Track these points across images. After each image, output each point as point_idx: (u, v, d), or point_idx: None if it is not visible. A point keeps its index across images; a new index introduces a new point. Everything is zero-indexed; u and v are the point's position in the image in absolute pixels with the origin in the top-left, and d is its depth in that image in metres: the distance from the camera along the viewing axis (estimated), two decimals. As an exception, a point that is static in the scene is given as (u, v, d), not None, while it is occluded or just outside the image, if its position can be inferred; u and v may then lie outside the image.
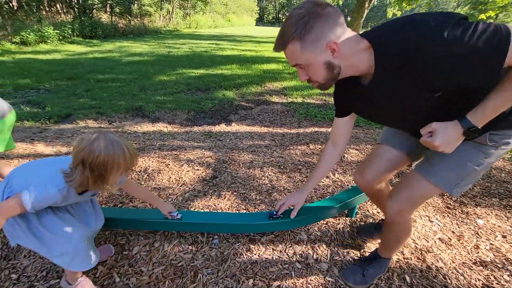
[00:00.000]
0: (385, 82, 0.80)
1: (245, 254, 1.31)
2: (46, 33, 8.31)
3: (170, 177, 1.95)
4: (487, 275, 1.35)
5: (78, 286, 1.07)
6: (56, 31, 8.71)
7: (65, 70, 5.47)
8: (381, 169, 1.15)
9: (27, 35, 7.76)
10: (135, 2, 16.36)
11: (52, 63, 6.11)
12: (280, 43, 0.80)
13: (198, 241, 1.35)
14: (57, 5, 14.32)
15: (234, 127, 3.12)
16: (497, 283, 1.30)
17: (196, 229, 1.32)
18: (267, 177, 2.05)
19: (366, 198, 1.58)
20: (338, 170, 2.20)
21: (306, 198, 1.26)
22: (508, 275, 1.34)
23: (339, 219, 1.61)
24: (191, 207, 1.65)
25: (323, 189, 1.95)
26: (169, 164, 2.13)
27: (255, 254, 1.32)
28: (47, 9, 13.25)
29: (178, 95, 4.29)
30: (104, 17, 14.03)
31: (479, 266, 1.40)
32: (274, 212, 1.28)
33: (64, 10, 14.11)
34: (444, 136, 0.78)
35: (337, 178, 2.10)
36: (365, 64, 0.80)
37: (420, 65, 0.70)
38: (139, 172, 2.01)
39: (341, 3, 17.23)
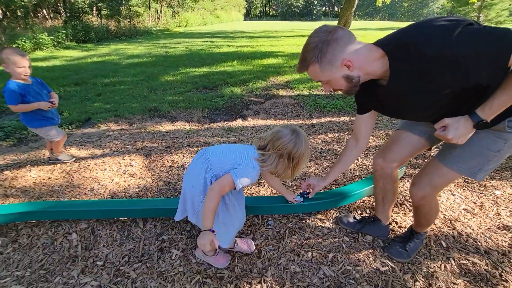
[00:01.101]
0: (401, 84, 0.90)
1: (299, 232, 1.46)
2: (41, 40, 8.22)
3: (208, 171, 2.08)
4: (511, 237, 1.52)
5: (217, 256, 1.24)
6: (50, 37, 8.61)
7: (69, 76, 5.47)
8: (403, 153, 1.25)
9: (23, 43, 7.67)
10: (123, 3, 16.14)
11: (54, 69, 6.09)
12: (303, 67, 0.96)
13: (255, 223, 1.49)
14: (43, 10, 14.05)
15: (251, 122, 3.24)
16: (520, 243, 1.47)
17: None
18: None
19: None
20: (360, 155, 2.35)
21: (330, 184, 1.42)
22: (529, 235, 1.51)
23: (373, 197, 1.76)
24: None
25: (351, 172, 2.10)
26: (203, 159, 2.25)
27: (307, 231, 1.47)
28: (32, 15, 13.01)
29: (188, 94, 4.38)
30: (94, 20, 13.84)
31: (502, 230, 1.57)
32: (305, 193, 1.45)
33: (51, 15, 13.87)
34: (456, 130, 0.88)
35: (361, 162, 2.25)
36: (381, 69, 0.92)
37: (431, 68, 0.80)
38: (178, 167, 2.13)
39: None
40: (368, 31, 16.65)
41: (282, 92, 4.43)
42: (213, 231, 0.97)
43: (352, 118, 3.30)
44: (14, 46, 7.59)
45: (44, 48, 8.41)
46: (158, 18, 19.69)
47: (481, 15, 18.60)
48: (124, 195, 1.79)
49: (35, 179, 1.99)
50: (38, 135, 2.08)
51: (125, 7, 15.74)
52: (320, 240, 1.42)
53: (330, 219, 1.55)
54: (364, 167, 2.18)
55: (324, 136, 2.75)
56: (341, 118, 3.30)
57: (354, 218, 1.53)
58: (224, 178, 1.01)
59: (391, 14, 53.34)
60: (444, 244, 1.45)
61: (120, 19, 14.56)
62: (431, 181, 1.09)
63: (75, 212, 1.41)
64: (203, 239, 0.94)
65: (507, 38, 0.73)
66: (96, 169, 2.10)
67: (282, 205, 1.45)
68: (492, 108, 0.84)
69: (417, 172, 1.19)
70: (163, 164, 2.19)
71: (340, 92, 1.02)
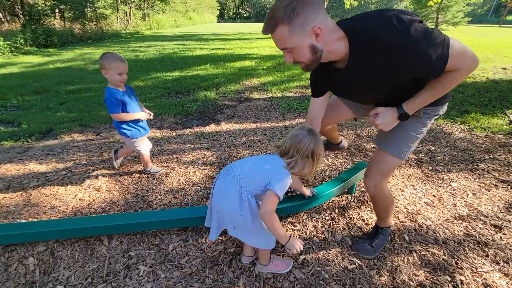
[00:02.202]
0: (358, 68, 0.95)
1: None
2: (-5, 45, 7.60)
3: (179, 179, 2.04)
4: (466, 226, 1.64)
5: (274, 262, 1.27)
6: (7, 42, 7.99)
7: (28, 84, 5.11)
8: (335, 119, 1.49)
9: (-26, 49, 7.04)
10: (88, 5, 15.37)
11: (11, 77, 5.66)
12: (270, 26, 0.88)
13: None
14: (-1, 12, 13.00)
15: (224, 126, 3.22)
16: (474, 231, 1.59)
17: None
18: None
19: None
20: (330, 155, 2.43)
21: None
22: (482, 224, 1.64)
23: (342, 197, 1.82)
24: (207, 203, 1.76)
25: (321, 173, 2.16)
26: (175, 167, 2.20)
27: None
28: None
29: (159, 99, 4.26)
30: (56, 23, 13.04)
31: (458, 220, 1.69)
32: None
33: (8, 18, 12.87)
34: (384, 118, 1.04)
35: (331, 162, 2.32)
36: (342, 50, 0.93)
37: (388, 55, 0.86)
38: (147, 178, 2.06)
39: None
40: (338, 32, 17.23)
41: (255, 95, 4.45)
42: (291, 236, 1.05)
43: (323, 119, 3.38)
44: None
45: (0, 54, 7.78)
46: (127, 20, 18.99)
47: (439, 16, 19.94)
48: (89, 211, 1.70)
49: (-12, 200, 1.83)
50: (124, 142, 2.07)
51: (91, 9, 15.02)
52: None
53: (300, 222, 1.58)
54: (333, 167, 2.25)
55: (296, 138, 2.80)
56: (313, 119, 3.38)
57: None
58: (268, 198, 1.02)
59: (360, 15, 55.55)
60: (407, 237, 1.54)
61: (86, 22, 13.86)
62: (379, 169, 1.22)
63: (31, 234, 1.32)
64: (293, 246, 1.03)
65: (445, 48, 0.84)
66: (57, 185, 1.97)
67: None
68: (415, 104, 1.01)
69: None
70: (131, 175, 2.11)
71: (300, 66, 0.98)
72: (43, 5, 12.16)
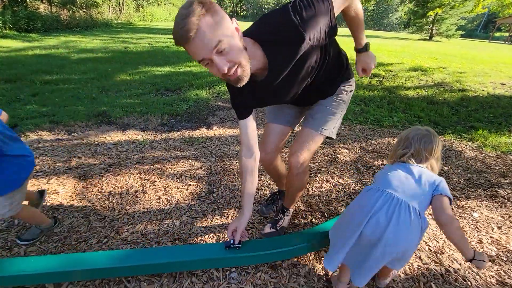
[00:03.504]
0: (279, 74, 0.92)
1: (269, 285, 1.16)
2: (-32, 26, 6.97)
3: (160, 198, 1.69)
4: (497, 270, 1.38)
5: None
6: (-18, 23, 7.35)
7: (0, 70, 4.61)
8: (276, 142, 1.35)
9: None
10: (79, -9, 14.60)
11: (-18, 62, 5.13)
12: (189, 27, 0.66)
13: (214, 278, 1.15)
14: (-21, -9, 12.15)
15: (217, 131, 2.89)
16: (508, 278, 1.34)
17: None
18: (267, 187, 1.90)
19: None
20: (335, 173, 2.14)
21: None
22: (517, 269, 1.38)
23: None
24: (192, 232, 1.43)
25: (327, 195, 1.87)
26: (155, 181, 1.85)
27: (280, 284, 1.17)
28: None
29: (146, 96, 3.88)
30: (42, 8, 12.29)
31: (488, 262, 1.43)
32: (231, 241, 1.14)
33: (-11, -2, 12.03)
34: (368, 58, 1.15)
35: (337, 181, 2.03)
36: (260, 61, 0.86)
37: (301, 54, 0.86)
38: (121, 194, 1.71)
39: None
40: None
41: (251, 97, 4.13)
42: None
43: (324, 128, 3.11)
44: None
45: (-26, 36, 7.15)
46: (120, 10, 18.26)
47: (434, 27, 20.18)
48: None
49: None
50: None
51: (81, -5, 14.27)
52: (295, 294, 1.14)
53: (307, 264, 1.27)
54: (340, 187, 1.96)
55: (296, 150, 2.50)
56: (314, 128, 3.09)
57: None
58: (445, 203, 0.92)
59: (355, 21, 56.17)
60: (434, 286, 1.26)
61: (74, 8, 13.15)
62: (308, 147, 1.20)
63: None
64: (484, 264, 0.89)
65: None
66: (5, 199, 1.59)
67: (247, 255, 1.13)
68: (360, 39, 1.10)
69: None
70: (102, 189, 1.75)
71: (237, 74, 0.78)
72: (28, -13, 11.38)
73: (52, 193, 1.68)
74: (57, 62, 5.47)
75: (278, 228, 1.44)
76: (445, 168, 2.37)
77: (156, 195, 1.72)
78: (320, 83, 1.09)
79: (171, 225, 1.47)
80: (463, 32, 22.66)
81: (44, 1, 13.57)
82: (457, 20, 20.29)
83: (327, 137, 1.22)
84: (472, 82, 5.71)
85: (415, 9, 20.49)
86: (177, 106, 3.55)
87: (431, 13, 10.94)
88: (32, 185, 1.74)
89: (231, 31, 0.74)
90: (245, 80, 0.81)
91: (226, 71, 0.73)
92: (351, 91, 1.24)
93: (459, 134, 3.11)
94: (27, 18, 9.14)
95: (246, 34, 0.86)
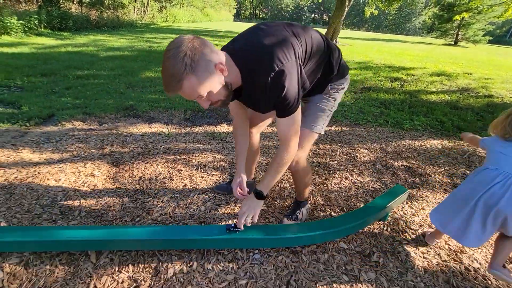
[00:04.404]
0: (249, 94, 1.03)
1: (290, 268, 1.22)
2: (9, 24, 7.49)
3: (186, 185, 1.80)
4: (521, 272, 1.36)
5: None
6: (20, 21, 7.88)
7: (37, 65, 4.95)
8: (261, 121, 1.46)
9: (-13, 25, 6.93)
10: (107, -8, 15.29)
11: (21, 57, 5.51)
12: (175, 84, 0.80)
13: (238, 257, 1.23)
14: (17, -8, 13.01)
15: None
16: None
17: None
18: (287, 180, 1.96)
19: (401, 201, 1.55)
20: (354, 171, 2.17)
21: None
22: (541, 272, 1.36)
23: (373, 224, 1.56)
24: (216, 217, 1.52)
25: (345, 191, 1.90)
26: (181, 170, 1.96)
27: (300, 267, 1.23)
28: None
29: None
30: (73, 8, 12.98)
31: (509, 264, 1.42)
32: (233, 225, 1.22)
33: (26, -1, 12.86)
34: (247, 204, 1.18)
35: (356, 179, 2.06)
36: (237, 77, 0.96)
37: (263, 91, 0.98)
38: (150, 179, 1.83)
39: (321, 0, 17.41)
40: (355, 40, 16.94)
41: (270, 97, 4.21)
42: None
43: (343, 128, 3.13)
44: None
45: (13, 33, 7.67)
46: (144, 11, 18.92)
47: (460, 32, 19.47)
48: (79, 214, 1.46)
49: (-31, 189, 1.61)
50: None
51: (109, -3, 14.93)
52: (314, 280, 1.19)
53: (326, 252, 1.32)
54: (359, 184, 1.99)
55: (315, 147, 2.55)
56: (332, 128, 3.12)
57: (225, 182, 1.72)
58: None
59: (376, 26, 55.09)
60: (454, 282, 1.27)
61: (103, 9, 13.79)
62: (301, 145, 1.23)
63: (3, 244, 1.09)
64: None
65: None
66: (48, 179, 1.75)
67: (272, 237, 1.20)
68: (264, 185, 1.16)
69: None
70: (132, 174, 1.88)
71: (217, 105, 0.96)
72: (62, -11, 12.07)
73: (89, 175, 1.82)
74: (88, 59, 5.79)
75: (295, 218, 1.50)
76: (468, 172, 2.33)
77: (182, 182, 1.82)
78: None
79: (196, 210, 1.56)
80: (491, 38, 21.66)
81: (75, 2, 14.34)
82: (485, 25, 19.46)
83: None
84: (499, 88, 5.51)
85: (440, 13, 19.85)
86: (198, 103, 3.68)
87: (457, 17, 10.60)
88: (71, 168, 1.89)
89: (213, 81, 0.86)
90: (228, 104, 1.01)
91: (207, 107, 0.94)
92: (342, 88, 1.27)
93: (484, 139, 3.03)
94: (60, 18, 9.70)
95: (238, 51, 0.96)
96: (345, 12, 12.58)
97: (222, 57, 0.89)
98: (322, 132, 1.29)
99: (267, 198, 1.69)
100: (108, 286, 1.07)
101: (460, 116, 3.72)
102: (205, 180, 1.87)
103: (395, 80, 5.74)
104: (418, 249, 1.44)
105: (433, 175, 2.22)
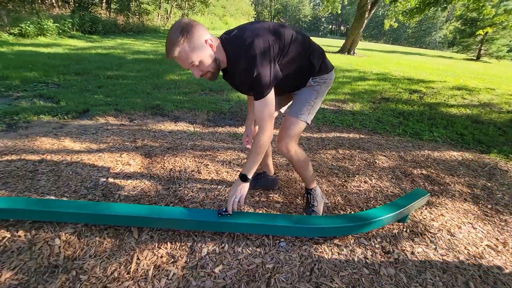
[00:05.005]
0: (233, 74, 1.21)
1: (313, 257, 1.29)
2: (45, 26, 8.05)
3: (213, 178, 1.91)
4: (542, 281, 1.38)
5: None
6: (56, 24, 8.45)
7: (70, 65, 5.30)
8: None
9: (27, 27, 7.49)
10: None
11: (56, 57, 5.92)
12: (173, 49, 1.02)
13: (265, 244, 1.32)
14: (52, -2, 13.93)
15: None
16: (553, 290, 1.33)
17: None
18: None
19: (421, 204, 1.60)
20: (373, 176, 2.22)
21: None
22: None
23: (392, 225, 1.61)
24: (242, 208, 1.62)
25: (365, 194, 1.96)
26: (208, 165, 2.09)
27: (324, 258, 1.30)
28: (39, 1, 12.86)
29: (193, 95, 4.24)
30: (102, 13, 13.74)
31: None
32: (224, 209, 1.31)
33: (59, 4, 13.74)
34: (232, 189, 1.28)
35: (375, 183, 2.11)
36: (224, 58, 1.15)
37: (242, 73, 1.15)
38: (179, 171, 1.96)
39: (339, 12, 17.61)
40: (373, 52, 16.91)
41: (289, 103, 4.32)
42: None
43: (362, 136, 3.18)
44: (16, 28, 7.39)
45: (48, 34, 8.24)
46: (167, 18, 19.72)
47: (482, 47, 19.06)
48: (119, 197, 1.60)
49: (19, 170, 1.79)
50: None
51: (135, 3, 15.73)
52: (336, 270, 1.26)
53: (348, 246, 1.39)
54: (378, 189, 2.04)
55: (334, 152, 2.62)
56: (351, 135, 3.18)
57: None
58: None
59: (395, 38, 54.64)
60: (472, 285, 1.30)
61: (129, 14, 14.50)
62: (288, 132, 1.37)
63: (60, 214, 1.23)
64: None
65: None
66: (89, 165, 1.91)
67: (298, 226, 1.29)
68: (247, 167, 1.27)
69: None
70: (164, 166, 2.02)
71: (207, 77, 1.15)
72: (93, -5, 12.85)
73: (125, 164, 1.98)
74: (116, 61, 6.13)
75: (314, 209, 1.59)
76: (488, 184, 2.33)
77: (209, 176, 1.94)
78: (284, 86, 1.32)
79: (223, 201, 1.67)
80: (516, 54, 21.08)
81: (103, 7, 15.18)
82: (510, 41, 18.99)
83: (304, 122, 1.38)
84: (524, 104, 5.38)
85: (462, 28, 19.56)
86: (220, 105, 3.84)
87: (480, 32, 10.45)
88: (108, 157, 2.06)
89: (203, 52, 1.06)
90: (216, 77, 1.17)
91: (198, 77, 1.13)
92: (325, 82, 1.37)
93: (505, 154, 3.00)
94: (91, 22, 10.31)
95: (227, 38, 1.15)
96: (364, 24, 12.65)
97: (213, 38, 1.10)
98: (309, 122, 1.40)
99: (277, 187, 1.84)
100: (149, 259, 1.19)
101: (481, 130, 3.69)
102: (231, 175, 1.98)
103: (414, 92, 5.73)
104: (437, 251, 1.48)
105: (452, 185, 2.24)
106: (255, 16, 50.70)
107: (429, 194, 1.71)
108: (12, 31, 7.40)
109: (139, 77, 4.96)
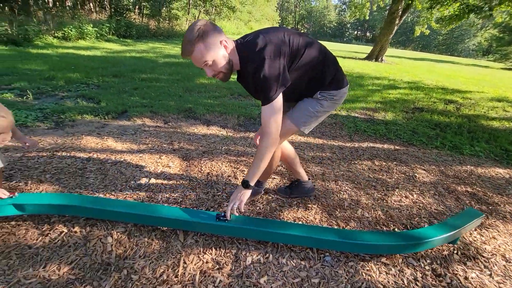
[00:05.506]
0: (243, 76, 1.26)
1: (360, 275, 1.24)
2: (86, 30, 8.59)
3: (249, 184, 1.91)
4: None
5: None
6: (95, 28, 8.99)
7: (108, 67, 5.59)
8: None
9: (69, 31, 8.03)
10: (164, 5, 16.82)
11: (95, 59, 6.27)
12: (189, 48, 1.07)
13: (310, 257, 1.29)
14: (90, 3, 14.89)
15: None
16: None
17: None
18: (345, 192, 1.98)
19: (474, 226, 1.50)
20: (414, 191, 2.12)
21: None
22: None
23: (442, 246, 1.52)
24: (281, 217, 1.60)
25: (407, 210, 1.87)
26: (243, 170, 2.09)
27: (370, 276, 1.25)
28: (79, 7, 13.77)
29: (222, 99, 4.30)
30: (135, 18, 14.45)
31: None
32: (222, 214, 1.29)
33: (97, 9, 14.64)
34: (237, 195, 1.27)
35: (417, 199, 2.01)
36: (237, 61, 1.19)
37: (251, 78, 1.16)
38: (216, 176, 1.98)
39: (367, 18, 17.25)
40: (402, 59, 16.35)
41: (318, 110, 4.25)
42: None
43: (397, 147, 3.06)
44: (59, 32, 7.93)
45: (88, 38, 8.78)
46: (194, 23, 20.32)
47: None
48: (161, 198, 1.64)
49: (70, 167, 1.90)
50: None
51: (166, 9, 16.38)
52: (385, 290, 1.20)
53: (396, 265, 1.32)
54: (421, 205, 1.94)
55: (370, 163, 2.53)
56: (385, 146, 3.07)
57: (285, 185, 1.85)
58: None
59: (424, 45, 52.56)
60: (537, 320, 1.19)
61: (160, 19, 15.13)
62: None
63: (112, 213, 1.28)
64: None
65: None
66: (132, 166, 1.99)
67: (345, 241, 1.24)
68: (250, 174, 1.27)
69: None
70: (201, 169, 2.05)
71: (219, 77, 1.19)
72: (127, 1, 13.57)
73: (165, 166, 2.03)
74: (149, 64, 6.39)
75: (290, 189, 1.77)
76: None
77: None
78: (289, 93, 1.28)
79: (262, 208, 1.66)
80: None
81: (136, 13, 15.97)
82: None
83: (299, 130, 1.38)
84: None
85: (499, 36, 18.42)
86: (250, 110, 3.86)
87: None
88: (149, 159, 2.13)
89: (217, 52, 1.10)
90: (228, 78, 1.21)
91: (210, 76, 1.17)
92: (332, 99, 1.34)
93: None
94: (126, 26, 10.87)
95: (241, 42, 1.19)
96: (394, 30, 12.29)
97: (228, 40, 1.14)
98: (305, 131, 1.39)
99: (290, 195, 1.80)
100: (195, 263, 1.20)
101: (529, 146, 3.42)
102: (268, 182, 1.97)
103: (450, 103, 5.45)
104: (493, 278, 1.37)
105: (502, 205, 2.08)
106: (279, 21, 50.95)
107: (484, 215, 1.60)
108: (56, 34, 7.97)
109: (170, 80, 5.12)
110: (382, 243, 1.23)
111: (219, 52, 1.10)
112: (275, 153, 1.48)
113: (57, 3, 12.60)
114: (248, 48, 1.15)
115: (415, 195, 2.05)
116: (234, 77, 1.31)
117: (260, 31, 1.23)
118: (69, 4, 12.78)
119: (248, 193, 1.29)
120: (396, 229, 1.64)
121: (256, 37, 1.16)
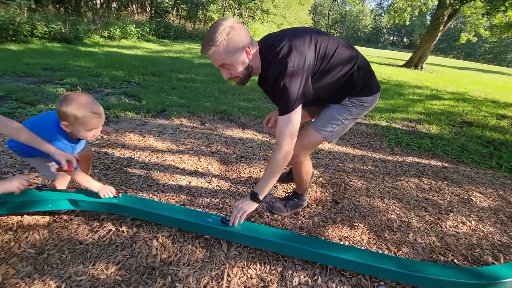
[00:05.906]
0: (264, 81, 1.20)
1: (419, 312, 1.11)
2: (129, 30, 9.09)
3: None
4: None
5: None
6: (137, 29, 9.48)
7: (148, 66, 5.83)
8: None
9: (114, 31, 8.54)
10: (201, 8, 17.36)
11: (136, 58, 6.58)
12: (209, 47, 1.01)
13: (362, 284, 1.18)
14: (133, 5, 15.79)
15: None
16: None
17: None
18: (393, 211, 1.83)
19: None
20: (472, 216, 1.90)
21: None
22: None
23: None
24: (326, 235, 1.50)
25: (465, 238, 1.67)
26: (283, 180, 2.02)
27: (430, 314, 1.11)
28: (123, 8, 14.64)
29: (257, 102, 4.27)
30: (172, 19, 15.05)
31: None
32: (227, 219, 1.25)
33: (139, 11, 15.48)
34: (241, 202, 1.23)
35: (475, 226, 1.80)
36: (258, 64, 1.14)
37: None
38: (255, 182, 1.93)
39: (408, 23, 16.41)
40: (444, 68, 15.34)
41: (356, 118, 4.06)
42: None
43: (445, 165, 2.80)
44: (105, 32, 8.44)
45: (130, 38, 9.27)
46: (228, 25, 20.72)
47: None
48: (201, 203, 1.62)
49: (116, 164, 1.95)
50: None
51: (202, 11, 16.87)
52: (449, 332, 1.06)
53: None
54: (481, 234, 1.73)
55: (417, 181, 2.33)
56: (432, 162, 2.83)
57: (281, 201, 1.66)
58: None
59: (468, 53, 48.94)
60: None
61: (196, 21, 15.61)
62: (303, 141, 1.30)
63: (159, 216, 1.27)
64: None
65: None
66: (173, 166, 2.00)
67: (406, 272, 1.11)
68: (260, 187, 1.22)
69: None
70: (240, 175, 2.01)
71: (235, 81, 1.14)
72: (167, 3, 14.18)
73: (204, 169, 2.02)
74: (185, 64, 6.57)
75: (286, 205, 1.60)
76: None
77: (285, 192, 1.87)
78: (316, 97, 1.20)
79: (305, 223, 1.57)
80: None
81: (173, 14, 16.65)
82: None
83: (326, 139, 1.31)
84: None
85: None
86: (285, 115, 3.78)
87: None
88: (188, 160, 2.13)
89: (237, 58, 1.05)
90: (244, 83, 1.16)
91: (226, 78, 1.11)
92: (362, 105, 1.25)
93: None
94: (165, 27, 11.34)
95: (266, 44, 1.13)
96: (437, 37, 11.58)
97: (252, 45, 1.08)
98: (332, 141, 1.33)
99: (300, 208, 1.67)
100: (239, 278, 1.15)
101: None
102: (309, 194, 1.87)
103: (503, 118, 4.95)
104: None
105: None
106: (312, 25, 50.36)
107: None
108: (102, 34, 8.51)
109: (206, 81, 5.20)
110: (447, 279, 1.09)
111: (239, 58, 1.06)
112: (307, 165, 1.46)
113: (104, 4, 13.53)
114: (271, 52, 1.09)
115: (473, 222, 1.84)
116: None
117: (286, 32, 1.16)
118: (115, 6, 13.65)
119: (254, 205, 1.24)
120: (455, 260, 1.47)
121: (281, 40, 1.09)
